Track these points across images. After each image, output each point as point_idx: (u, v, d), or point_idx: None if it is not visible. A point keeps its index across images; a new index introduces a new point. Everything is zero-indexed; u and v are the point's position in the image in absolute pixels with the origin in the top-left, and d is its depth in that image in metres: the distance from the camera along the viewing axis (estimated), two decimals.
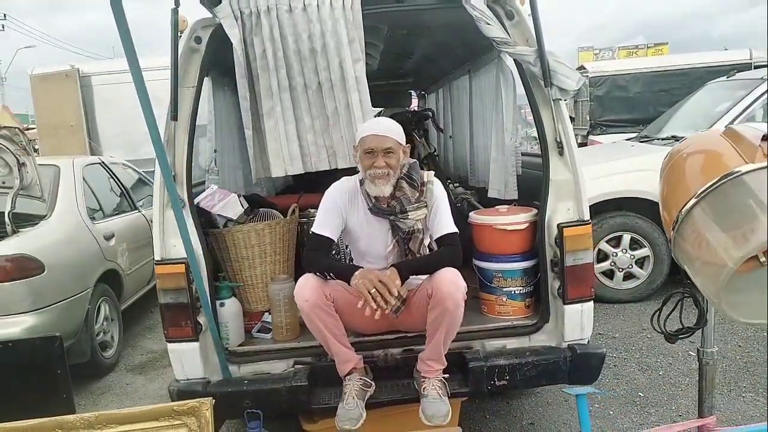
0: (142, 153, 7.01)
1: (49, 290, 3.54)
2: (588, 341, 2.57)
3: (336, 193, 2.40)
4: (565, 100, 2.48)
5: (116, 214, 4.74)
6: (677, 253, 1.64)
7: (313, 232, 2.39)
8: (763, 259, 1.56)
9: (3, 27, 30.70)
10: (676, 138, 4.85)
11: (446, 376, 2.38)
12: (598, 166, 4.74)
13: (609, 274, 4.70)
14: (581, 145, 7.84)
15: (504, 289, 2.64)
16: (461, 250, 2.34)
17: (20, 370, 2.87)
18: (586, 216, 2.50)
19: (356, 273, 2.20)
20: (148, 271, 5.05)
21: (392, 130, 2.29)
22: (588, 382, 2.55)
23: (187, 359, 2.46)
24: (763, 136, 1.46)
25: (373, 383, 2.43)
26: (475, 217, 2.73)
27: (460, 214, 3.07)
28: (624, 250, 4.64)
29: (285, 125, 2.51)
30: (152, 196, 2.54)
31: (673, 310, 1.91)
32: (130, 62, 1.91)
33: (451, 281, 2.19)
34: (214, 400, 1.82)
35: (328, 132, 2.56)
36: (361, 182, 2.39)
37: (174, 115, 2.42)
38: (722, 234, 1.47)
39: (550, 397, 3.25)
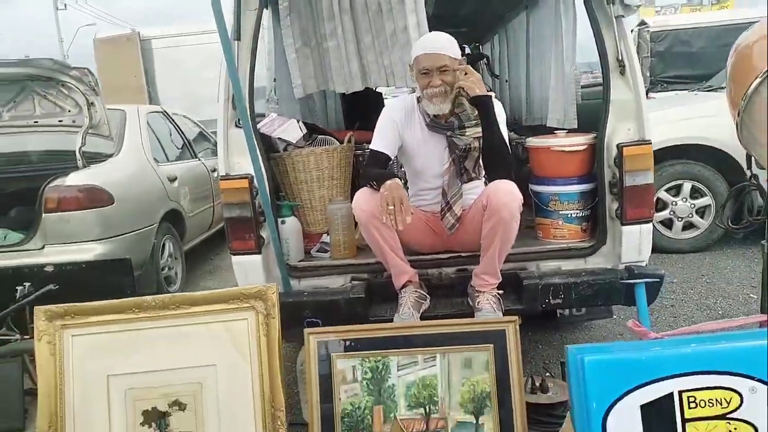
0: (203, 114, 7.21)
1: (117, 221, 3.73)
2: (646, 264, 2.55)
3: (393, 110, 2.43)
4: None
5: (178, 160, 4.92)
6: (743, 137, 1.61)
7: (369, 148, 2.44)
8: None
9: (65, 6, 31.79)
10: None
11: (501, 291, 2.41)
12: (659, 113, 4.60)
13: (668, 223, 4.59)
14: None
15: (560, 213, 2.63)
16: (510, 163, 2.35)
17: (94, 290, 3.07)
18: (648, 136, 2.46)
19: (387, 182, 2.16)
20: (208, 216, 5.25)
21: (446, 46, 2.28)
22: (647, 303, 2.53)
23: (250, 271, 2.56)
24: None
25: (428, 297, 2.49)
26: (533, 140, 2.72)
27: (515, 156, 3.07)
28: (684, 199, 4.52)
29: (346, 44, 2.56)
30: (217, 119, 2.62)
31: (736, 203, 1.87)
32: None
33: (506, 191, 2.21)
34: (277, 286, 1.90)
35: (387, 52, 2.59)
36: (419, 99, 2.41)
37: (237, 35, 2.49)
38: None
39: (605, 332, 3.25)
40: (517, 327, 1.77)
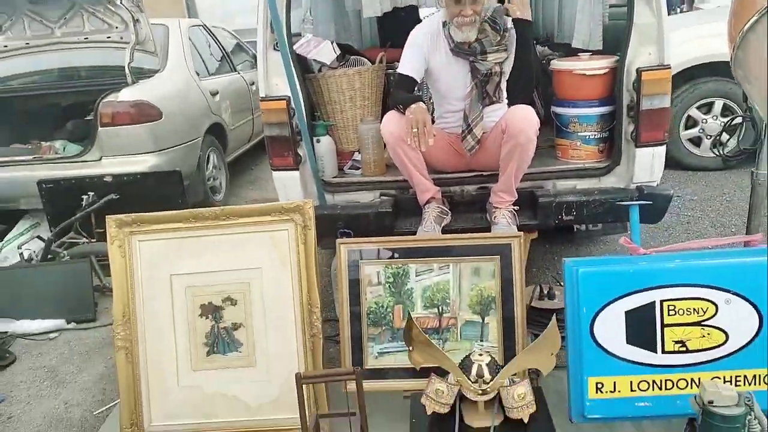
0: (238, 23, 7.29)
1: (166, 135, 4.01)
2: (657, 184, 2.70)
3: (419, 34, 2.56)
4: None
5: (219, 74, 5.11)
6: (737, 71, 1.72)
7: (397, 72, 2.60)
8: None
9: None
10: None
11: (516, 208, 2.62)
12: (690, 29, 4.53)
13: (696, 141, 4.63)
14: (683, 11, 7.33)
15: (579, 134, 2.77)
16: (532, 87, 2.48)
17: (149, 198, 3.40)
18: (667, 61, 2.54)
19: (412, 106, 2.31)
20: (248, 129, 5.50)
21: None
22: (653, 222, 2.73)
23: (289, 186, 2.82)
24: None
25: (450, 213, 2.71)
26: (556, 63, 2.81)
27: (544, 73, 3.16)
28: (715, 117, 4.52)
29: None
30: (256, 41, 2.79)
31: (732, 133, 2.00)
32: None
33: (523, 117, 2.36)
34: (312, 202, 2.15)
35: None
36: (444, 24, 2.53)
37: None
38: None
39: (619, 247, 3.44)
40: (522, 241, 2.01)
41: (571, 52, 3.33)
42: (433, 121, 2.64)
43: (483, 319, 2.01)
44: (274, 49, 2.71)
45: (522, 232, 2.07)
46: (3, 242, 3.85)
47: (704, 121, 4.55)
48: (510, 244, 2.00)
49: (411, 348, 1.74)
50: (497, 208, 2.59)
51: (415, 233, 2.64)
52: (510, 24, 2.49)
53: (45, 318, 3.03)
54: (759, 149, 1.98)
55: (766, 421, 1.55)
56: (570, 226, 3.06)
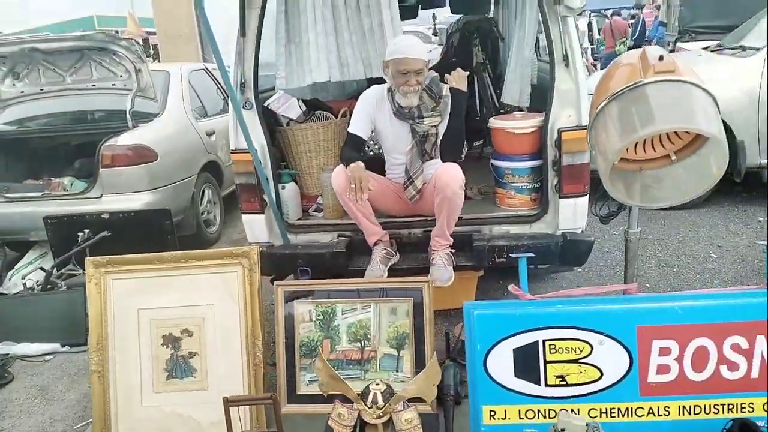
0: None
1: (161, 174, 4.41)
2: (582, 231, 3.00)
3: (367, 99, 2.92)
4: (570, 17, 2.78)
5: (217, 114, 5.53)
6: (591, 142, 2.02)
7: (347, 131, 2.95)
8: (674, 157, 1.96)
9: None
10: (743, 48, 4.78)
11: (452, 250, 2.94)
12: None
13: None
14: (670, 52, 7.57)
15: (513, 185, 3.09)
16: (460, 151, 2.82)
17: (139, 234, 3.79)
18: (584, 122, 2.85)
19: (351, 165, 2.67)
20: None
21: (422, 52, 2.73)
22: (576, 265, 3.03)
23: (256, 227, 3.17)
24: (660, 56, 1.78)
25: (396, 254, 3.04)
26: (492, 121, 3.14)
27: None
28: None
29: (326, 37, 3.02)
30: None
31: (606, 199, 2.30)
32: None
33: (449, 174, 2.69)
34: (260, 248, 2.51)
35: (364, 45, 3.04)
36: (389, 90, 2.88)
37: (242, 32, 3.00)
38: (615, 130, 1.84)
39: (565, 283, 3.73)
40: (431, 286, 2.33)
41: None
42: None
43: (399, 353, 2.33)
44: (244, 107, 3.09)
45: (429, 279, 2.39)
46: (14, 270, 4.27)
47: None
48: (421, 288, 2.33)
49: (321, 378, 2.06)
50: (435, 250, 2.91)
51: (364, 271, 2.97)
52: (446, 92, 2.84)
53: (42, 341, 3.40)
54: (630, 210, 2.27)
55: None
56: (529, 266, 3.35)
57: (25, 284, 3.87)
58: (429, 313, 2.31)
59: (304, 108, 3.38)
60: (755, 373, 2.07)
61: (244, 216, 3.21)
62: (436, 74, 2.91)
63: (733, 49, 4.99)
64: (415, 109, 2.83)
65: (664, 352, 2.09)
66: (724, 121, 4.33)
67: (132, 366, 2.47)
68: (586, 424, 1.82)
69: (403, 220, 3.13)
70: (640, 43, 11.52)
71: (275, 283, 2.48)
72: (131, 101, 4.42)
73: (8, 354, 3.34)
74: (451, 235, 2.93)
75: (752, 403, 2.08)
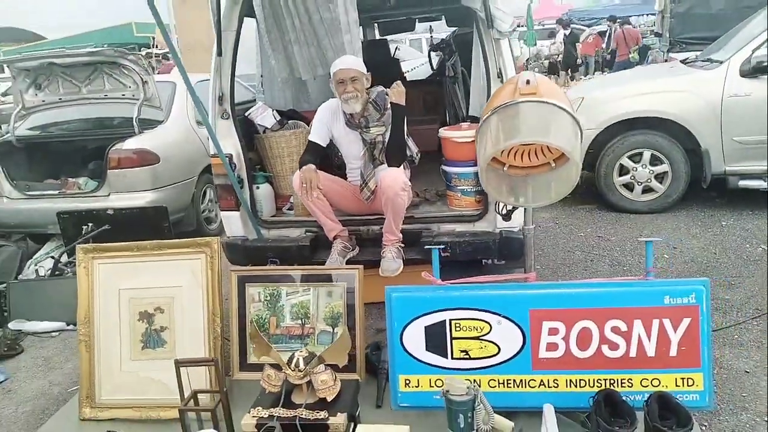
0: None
1: (163, 175, 4.88)
2: (519, 230, 3.31)
3: (323, 110, 3.31)
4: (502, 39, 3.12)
5: None
6: (477, 148, 2.35)
7: (308, 139, 3.35)
8: (554, 164, 2.29)
9: None
10: (711, 61, 5.02)
11: (402, 245, 3.30)
12: (625, 86, 5.10)
13: (630, 186, 5.16)
14: (665, 61, 7.79)
15: (459, 188, 3.43)
16: (404, 154, 3.18)
17: (139, 228, 4.24)
18: None
19: (303, 167, 3.08)
20: None
21: (355, 63, 3.12)
22: (512, 260, 3.34)
23: (232, 222, 3.59)
24: (527, 80, 2.12)
25: (356, 248, 3.40)
26: (442, 132, 3.49)
27: None
28: (644, 166, 5.06)
29: (309, 48, 3.43)
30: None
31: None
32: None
33: (389, 177, 3.06)
34: (219, 238, 2.91)
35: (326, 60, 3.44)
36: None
37: (219, 52, 3.42)
38: (491, 139, 2.18)
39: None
40: (361, 273, 2.69)
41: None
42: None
43: (333, 329, 2.70)
44: (222, 117, 3.52)
45: (361, 266, 2.76)
46: (32, 259, 4.79)
47: (635, 169, 5.09)
48: (354, 274, 2.70)
49: (254, 346, 2.45)
50: (386, 245, 3.28)
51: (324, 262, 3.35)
52: (389, 105, 3.21)
53: (50, 320, 3.88)
54: (525, 210, 2.60)
55: (490, 406, 2.17)
56: (479, 260, 3.69)
57: (37, 271, 4.37)
58: (359, 295, 2.68)
59: (278, 117, 3.79)
60: (633, 353, 2.38)
61: (222, 213, 3.62)
62: (383, 89, 3.28)
63: (702, 61, 5.23)
64: (362, 119, 3.20)
65: (553, 332, 2.42)
66: (689, 130, 4.66)
67: (113, 337, 2.89)
68: (467, 387, 2.16)
69: (361, 218, 3.49)
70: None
71: (230, 269, 2.88)
72: (138, 110, 4.90)
73: (21, 330, 3.82)
74: (402, 232, 3.29)
75: (631, 379, 2.38)
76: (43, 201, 4.89)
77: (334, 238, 3.35)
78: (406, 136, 3.27)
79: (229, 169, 3.32)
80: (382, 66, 6.31)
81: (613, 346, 2.38)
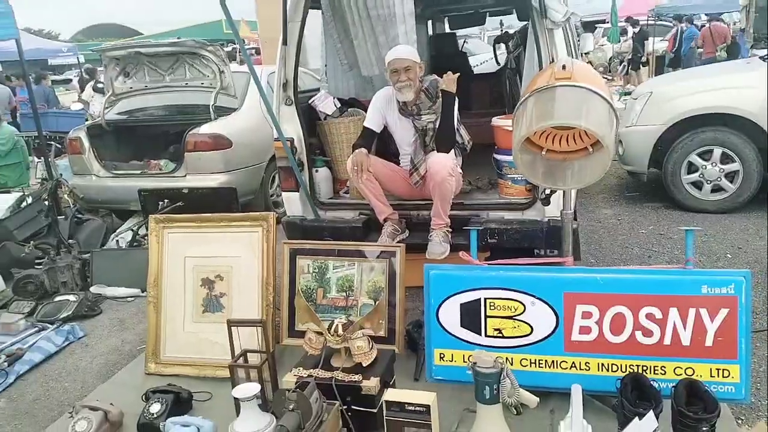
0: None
1: (235, 159, 5.20)
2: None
3: (378, 97, 3.45)
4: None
5: None
6: (513, 129, 2.41)
7: (363, 125, 3.50)
8: (591, 150, 2.34)
9: None
10: None
11: (450, 230, 3.39)
12: (697, 81, 4.94)
13: (698, 185, 5.00)
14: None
15: (509, 176, 3.49)
16: (453, 141, 3.27)
17: (212, 206, 4.53)
18: None
19: (355, 151, 3.24)
20: None
21: (409, 52, 3.24)
22: (558, 248, 3.36)
23: (292, 203, 3.80)
24: (563, 65, 2.17)
25: (405, 231, 3.53)
26: (494, 120, 3.56)
27: None
28: (714, 164, 4.88)
29: (367, 43, 3.58)
30: None
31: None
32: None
33: (437, 162, 3.16)
34: (276, 214, 3.11)
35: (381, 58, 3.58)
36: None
37: (285, 41, 3.64)
38: (526, 120, 2.23)
39: None
40: (403, 251, 2.82)
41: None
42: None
43: (375, 302, 2.84)
44: (285, 104, 3.73)
45: (403, 244, 2.88)
46: (115, 233, 5.22)
47: (704, 167, 4.93)
48: (395, 252, 2.83)
49: (300, 313, 2.63)
50: (433, 229, 3.38)
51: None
52: (442, 93, 3.32)
53: (127, 287, 4.25)
54: (564, 194, 2.64)
55: (516, 380, 2.25)
56: (531, 250, 3.73)
57: (117, 242, 4.78)
58: (400, 272, 2.81)
59: (338, 105, 3.97)
60: (667, 341, 2.38)
61: (283, 193, 3.85)
62: (436, 78, 3.38)
63: None
64: (414, 106, 3.32)
65: (587, 315, 2.45)
66: (763, 128, 4.47)
67: (178, 300, 3.17)
68: (494, 360, 2.24)
69: (412, 203, 3.62)
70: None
71: (283, 241, 3.08)
72: (214, 97, 5.25)
73: (101, 294, 4.21)
74: (450, 218, 3.39)
75: (664, 366, 2.38)
76: (127, 180, 5.32)
77: (385, 220, 3.49)
78: (457, 124, 3.37)
79: (290, 153, 3.53)
80: (448, 59, 6.45)
81: (647, 333, 2.39)
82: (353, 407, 2.36)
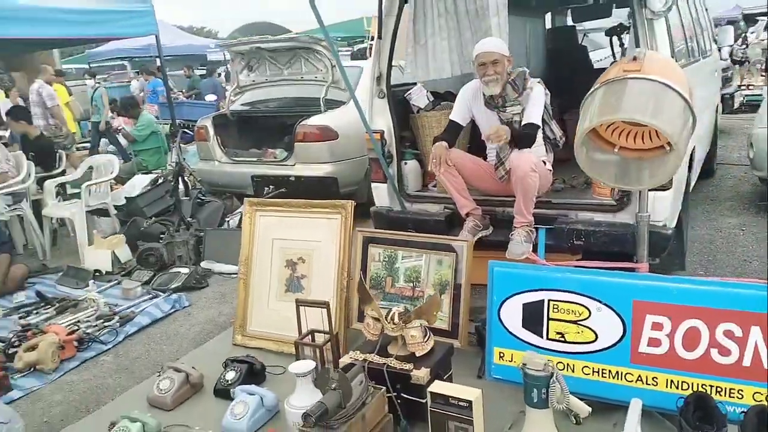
0: None
1: (341, 150, 5.39)
2: (664, 224, 3.10)
3: (465, 90, 3.42)
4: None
5: None
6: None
7: (449, 118, 3.49)
8: (668, 148, 2.18)
9: None
10: None
11: (533, 228, 3.29)
12: None
13: None
14: None
15: None
16: (534, 136, 3.15)
17: (314, 194, 4.78)
18: None
19: (435, 144, 3.25)
20: None
21: (497, 46, 3.17)
22: (651, 255, 3.13)
23: (380, 194, 3.90)
24: (634, 57, 2.02)
25: (489, 227, 3.48)
26: None
27: None
28: None
29: (449, 40, 3.57)
30: None
31: None
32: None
33: (520, 157, 3.08)
34: (354, 203, 3.21)
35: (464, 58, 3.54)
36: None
37: (379, 35, 3.72)
38: (592, 111, 2.11)
39: None
40: (469, 246, 2.79)
41: None
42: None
43: (440, 295, 2.85)
44: (378, 96, 3.83)
45: (467, 241, 2.85)
46: (232, 214, 5.66)
47: None
48: (462, 246, 2.81)
49: (361, 297, 2.70)
50: (515, 227, 3.30)
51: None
52: (530, 85, 3.21)
53: (233, 264, 4.59)
54: (640, 196, 2.44)
55: (566, 386, 2.16)
56: (629, 257, 3.52)
57: (228, 222, 5.17)
58: (466, 267, 2.79)
59: (431, 98, 3.99)
60: (747, 362, 2.16)
61: (372, 184, 3.95)
62: (525, 70, 3.28)
63: None
64: (500, 98, 3.25)
65: (657, 327, 2.29)
66: None
67: (264, 279, 3.39)
68: (545, 363, 2.16)
69: (499, 199, 3.55)
70: None
71: (357, 229, 3.18)
72: (325, 90, 5.48)
73: (210, 269, 4.60)
74: (536, 216, 3.29)
75: (741, 390, 2.17)
76: (244, 166, 5.73)
77: (467, 215, 3.45)
78: (548, 119, 3.26)
79: (376, 144, 3.62)
80: (567, 53, 6.19)
81: (724, 352, 2.19)
82: (403, 395, 2.39)
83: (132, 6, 6.38)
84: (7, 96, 9.78)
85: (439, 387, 2.23)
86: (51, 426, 2.77)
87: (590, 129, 2.11)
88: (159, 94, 11.20)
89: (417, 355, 2.46)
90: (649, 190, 3.04)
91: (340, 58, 3.48)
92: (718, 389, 2.19)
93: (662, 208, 3.08)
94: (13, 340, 3.39)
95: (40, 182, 5.66)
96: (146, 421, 2.46)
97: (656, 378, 2.29)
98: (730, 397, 2.17)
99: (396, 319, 2.48)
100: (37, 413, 2.88)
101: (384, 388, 2.29)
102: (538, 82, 3.25)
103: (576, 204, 3.38)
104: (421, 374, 2.36)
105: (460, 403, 2.16)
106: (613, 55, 5.93)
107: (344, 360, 2.52)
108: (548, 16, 6.84)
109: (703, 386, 2.21)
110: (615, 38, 5.74)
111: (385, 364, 2.42)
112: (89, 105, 10.00)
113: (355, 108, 5.60)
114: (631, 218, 3.19)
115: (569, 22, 7.17)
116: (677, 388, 2.26)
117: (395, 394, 2.38)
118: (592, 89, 2.22)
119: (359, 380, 2.20)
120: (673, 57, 3.06)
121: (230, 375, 2.84)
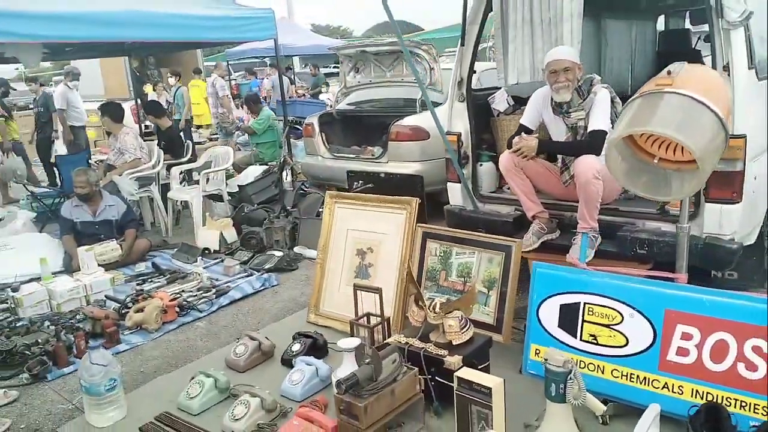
0: None
1: (430, 150, 5.60)
2: (732, 239, 3.02)
3: (536, 95, 3.52)
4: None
5: None
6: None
7: (519, 122, 3.60)
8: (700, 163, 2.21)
9: None
10: None
11: (596, 234, 3.33)
12: None
13: None
14: None
15: None
16: (600, 142, 3.17)
17: (398, 191, 5.06)
18: (739, 131, 2.90)
19: (522, 134, 3.39)
20: None
21: (568, 53, 3.23)
22: (715, 269, 3.07)
23: (454, 193, 4.09)
24: (668, 71, 2.05)
25: (555, 231, 3.56)
26: None
27: None
28: None
29: (523, 47, 3.68)
30: None
31: None
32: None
33: (583, 163, 3.13)
34: (419, 200, 3.44)
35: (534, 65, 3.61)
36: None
37: (462, 42, 3.91)
38: (626, 121, 2.16)
39: None
40: (519, 246, 2.92)
41: None
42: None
43: (488, 292, 3.01)
44: (458, 100, 4.02)
45: (518, 240, 2.97)
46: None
47: None
48: (511, 247, 2.95)
49: (407, 286, 2.93)
50: (579, 232, 3.37)
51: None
52: (595, 90, 3.25)
53: None
54: (681, 207, 2.42)
55: (584, 384, 2.25)
56: (708, 272, 3.45)
57: (319, 212, 5.60)
58: (514, 266, 2.92)
59: (512, 103, 4.11)
60: None
61: (448, 183, 4.15)
62: (593, 77, 3.32)
63: None
64: (565, 104, 3.32)
65: (686, 337, 2.31)
66: None
67: (338, 265, 3.73)
68: (565, 360, 2.27)
69: (567, 203, 3.61)
70: None
71: (417, 224, 3.40)
72: (422, 92, 5.72)
73: (301, 254, 5.04)
74: (601, 223, 3.33)
75: (766, 407, 2.14)
76: (343, 162, 6.14)
77: (533, 218, 3.56)
78: (610, 126, 3.28)
79: (448, 146, 3.82)
80: (678, 56, 5.93)
81: (751, 367, 2.18)
82: (437, 378, 2.60)
83: (257, 13, 7.01)
84: (154, 90, 11.05)
85: (465, 373, 2.41)
86: (145, 375, 3.28)
87: (620, 137, 2.19)
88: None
89: (454, 343, 2.66)
90: (718, 203, 3.02)
91: (413, 63, 3.69)
92: (743, 404, 2.18)
93: (729, 222, 3.01)
94: (127, 301, 4.01)
95: (169, 168, 6.46)
96: (218, 378, 2.87)
97: (682, 387, 2.32)
98: (754, 412, 2.16)
99: (437, 309, 2.70)
100: (136, 364, 3.42)
101: (416, 369, 2.51)
102: (605, 87, 3.28)
103: (644, 213, 3.37)
104: (453, 360, 2.55)
105: (483, 389, 2.33)
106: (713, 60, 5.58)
107: (390, 341, 2.77)
108: (662, 19, 6.59)
109: (728, 399, 2.21)
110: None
111: (423, 348, 2.64)
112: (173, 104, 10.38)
113: (443, 109, 5.90)
114: (697, 229, 3.14)
115: (687, 24, 6.85)
116: (702, 398, 2.27)
117: (430, 377, 2.60)
118: (629, 99, 2.28)
119: (392, 359, 2.44)
120: (752, 70, 2.97)
121: (296, 347, 3.20)
